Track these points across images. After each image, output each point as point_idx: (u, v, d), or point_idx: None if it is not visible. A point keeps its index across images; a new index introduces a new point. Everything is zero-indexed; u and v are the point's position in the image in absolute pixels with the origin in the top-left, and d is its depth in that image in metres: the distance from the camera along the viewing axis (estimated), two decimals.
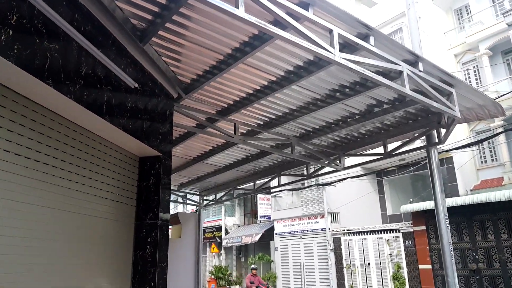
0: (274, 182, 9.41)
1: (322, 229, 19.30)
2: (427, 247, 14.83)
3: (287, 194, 21.73)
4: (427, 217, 14.98)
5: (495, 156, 16.87)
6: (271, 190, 21.80)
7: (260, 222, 23.31)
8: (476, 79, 17.65)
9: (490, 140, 15.33)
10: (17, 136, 2.91)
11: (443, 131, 5.31)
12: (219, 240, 25.36)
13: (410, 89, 3.87)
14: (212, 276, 23.20)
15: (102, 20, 3.57)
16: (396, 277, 15.71)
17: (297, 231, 20.58)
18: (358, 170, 19.26)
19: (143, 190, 4.51)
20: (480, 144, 15.83)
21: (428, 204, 14.50)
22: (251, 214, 25.60)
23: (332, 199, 19.57)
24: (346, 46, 3.76)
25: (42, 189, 3.13)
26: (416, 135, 5.98)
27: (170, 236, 11.16)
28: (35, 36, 2.77)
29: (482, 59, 16.82)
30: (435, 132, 5.42)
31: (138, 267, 4.23)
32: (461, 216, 13.90)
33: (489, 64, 16.59)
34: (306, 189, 20.45)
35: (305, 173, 7.96)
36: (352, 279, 17.49)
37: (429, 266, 14.67)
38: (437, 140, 5.37)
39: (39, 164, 3.12)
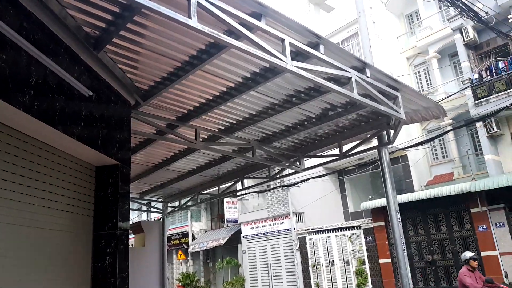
0: (239, 186, 9.51)
1: (287, 230, 19.59)
2: (387, 242, 15.41)
3: (253, 197, 21.87)
4: (386, 213, 15.50)
5: (446, 153, 17.84)
6: (237, 194, 21.90)
7: (228, 226, 23.30)
8: (427, 81, 18.60)
9: (440, 138, 16.19)
10: None
11: (392, 131, 5.61)
12: (186, 247, 25.09)
13: (359, 94, 4.08)
14: (180, 284, 22.91)
15: (53, 28, 3.50)
16: (359, 273, 16.22)
17: (263, 233, 20.76)
18: (320, 170, 19.69)
19: (101, 200, 4.43)
20: (431, 142, 16.64)
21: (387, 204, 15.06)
22: (218, 218, 25.52)
23: (296, 200, 19.92)
24: (298, 54, 3.91)
25: None
26: (368, 136, 6.26)
27: (133, 245, 10.97)
28: None
29: (431, 62, 17.76)
30: (385, 133, 5.72)
31: (98, 279, 4.15)
32: (417, 210, 14.62)
33: (437, 66, 17.54)
34: (271, 190, 20.69)
35: (268, 175, 8.11)
36: (317, 277, 17.86)
37: (389, 260, 15.25)
38: (387, 141, 5.66)
39: None
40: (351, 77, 4.11)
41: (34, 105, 3.16)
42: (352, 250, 16.94)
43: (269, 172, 8.08)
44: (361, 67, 4.37)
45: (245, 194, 21.31)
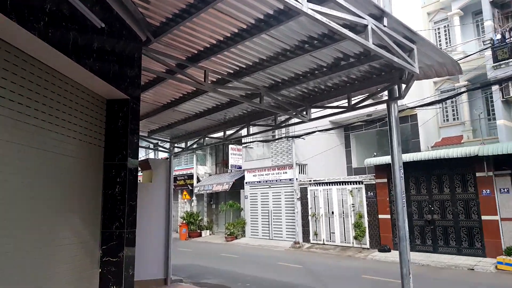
0: (244, 133, 9.61)
1: (290, 180, 20.03)
2: (388, 199, 15.78)
3: (258, 146, 22.17)
4: (389, 171, 15.73)
5: (457, 115, 17.67)
6: (242, 141, 22.17)
7: (231, 172, 23.83)
8: (446, 39, 18.01)
9: (453, 99, 15.96)
10: None
11: (404, 86, 5.55)
12: (190, 188, 25.89)
13: (373, 44, 4.02)
14: (184, 221, 23.93)
15: None
16: (357, 225, 16.79)
17: (266, 181, 21.26)
18: (326, 124, 19.78)
19: (112, 132, 4.58)
20: (443, 103, 16.45)
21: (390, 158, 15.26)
22: (222, 164, 26.05)
23: (300, 151, 20.17)
24: None
25: (8, 125, 3.17)
26: (378, 89, 6.22)
27: (141, 181, 11.37)
28: None
29: (453, 19, 17.06)
30: (396, 87, 5.66)
31: (108, 205, 4.41)
32: (421, 170, 14.75)
33: (459, 23, 16.87)
34: (276, 141, 20.90)
35: (274, 123, 8.18)
36: (316, 226, 18.52)
37: (388, 216, 15.69)
38: (397, 95, 5.62)
39: (4, 101, 3.12)
40: (367, 25, 4.03)
41: (49, 32, 3.19)
42: (352, 204, 17.41)
43: (275, 120, 8.13)
44: (379, 15, 4.26)
45: (250, 142, 21.57)
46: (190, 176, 25.96)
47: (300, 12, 3.49)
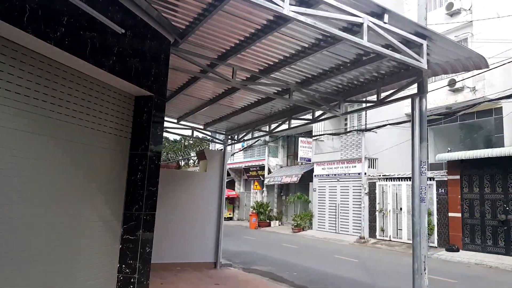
0: (315, 128, 9.69)
1: (358, 174, 19.63)
2: (459, 196, 14.75)
3: (328, 139, 22.00)
4: (463, 167, 14.71)
5: None
6: (313, 134, 22.16)
7: (302, 164, 24.02)
8: None
9: None
10: (16, 79, 3.61)
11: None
12: (262, 179, 26.65)
13: (376, 42, 3.99)
14: (254, 211, 24.79)
15: None
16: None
17: (334, 174, 21.08)
18: (401, 117, 18.83)
19: (137, 125, 5.18)
20: None
21: (464, 154, 14.17)
22: (294, 156, 26.33)
23: (371, 145, 19.58)
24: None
25: (44, 122, 3.87)
26: (409, 83, 5.98)
27: (198, 170, 12.18)
28: None
29: None
30: (423, 81, 5.43)
31: (131, 189, 5.03)
32: (497, 167, 13.63)
33: None
34: (347, 134, 20.52)
35: (312, 117, 8.25)
36: (383, 222, 17.98)
37: (459, 214, 14.70)
38: (422, 90, 5.40)
39: (39, 102, 3.81)
40: (363, 23, 4.02)
41: (65, 40, 3.80)
42: None
43: (313, 114, 8.19)
44: (380, 12, 4.19)
45: (321, 135, 21.48)
46: (262, 168, 26.71)
47: (283, 16, 3.65)
